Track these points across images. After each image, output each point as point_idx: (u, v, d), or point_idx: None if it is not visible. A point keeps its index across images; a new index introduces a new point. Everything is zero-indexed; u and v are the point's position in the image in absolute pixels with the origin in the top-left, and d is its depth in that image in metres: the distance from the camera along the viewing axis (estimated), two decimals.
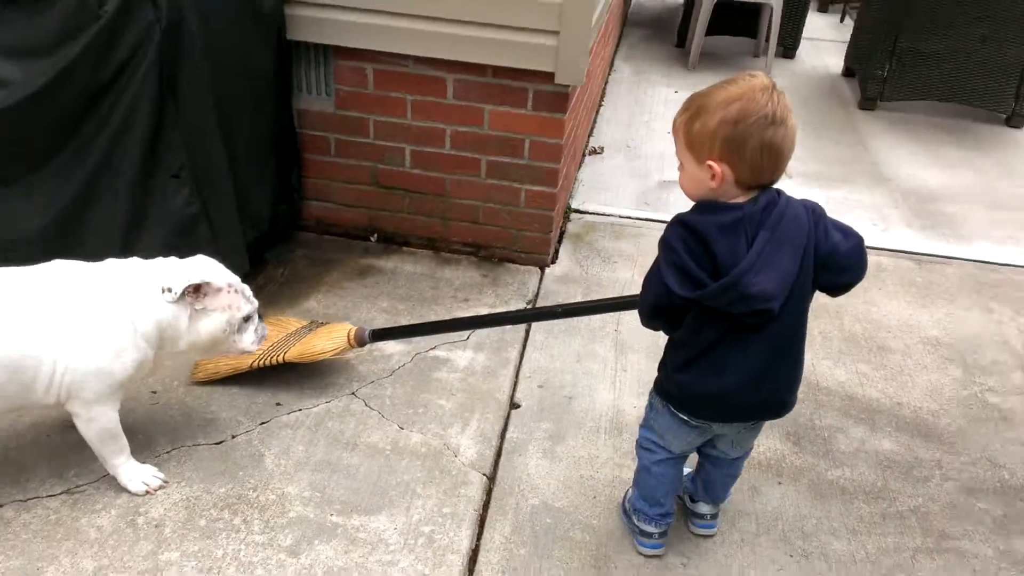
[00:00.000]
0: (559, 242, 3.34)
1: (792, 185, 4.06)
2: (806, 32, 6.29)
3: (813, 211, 1.56)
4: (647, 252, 3.30)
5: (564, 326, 2.79)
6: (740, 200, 1.53)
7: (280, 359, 2.35)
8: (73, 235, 2.36)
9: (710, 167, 1.50)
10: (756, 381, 1.64)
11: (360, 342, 2.41)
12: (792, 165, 1.53)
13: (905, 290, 3.19)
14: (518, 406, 2.43)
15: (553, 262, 3.21)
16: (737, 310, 1.52)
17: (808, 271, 1.55)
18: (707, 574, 1.94)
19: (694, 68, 5.70)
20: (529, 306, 2.92)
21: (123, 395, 1.93)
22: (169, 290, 1.87)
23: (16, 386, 1.77)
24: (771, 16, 5.60)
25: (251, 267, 2.80)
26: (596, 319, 2.82)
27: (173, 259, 1.99)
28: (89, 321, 1.81)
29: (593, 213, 3.60)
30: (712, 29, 5.79)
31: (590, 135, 4.47)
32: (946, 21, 4.84)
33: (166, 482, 2.04)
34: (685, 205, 1.58)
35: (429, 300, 2.87)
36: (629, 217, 3.59)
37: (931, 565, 2.01)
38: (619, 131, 4.56)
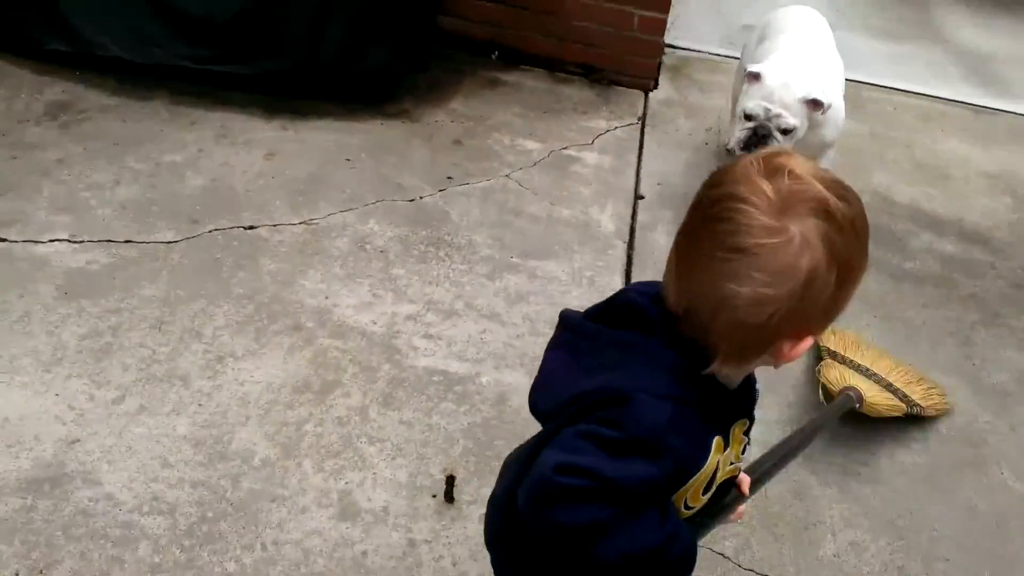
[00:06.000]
0: (658, 71, 3.70)
1: None
2: None
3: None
4: None
5: (673, 142, 3.20)
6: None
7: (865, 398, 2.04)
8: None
9: None
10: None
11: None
12: None
13: (963, 133, 3.60)
14: (643, 197, 2.88)
15: (655, 88, 3.58)
16: None
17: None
18: None
19: None
20: (637, 121, 3.32)
21: None
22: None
23: None
24: None
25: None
26: (691, 136, 3.24)
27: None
28: None
29: (685, 49, 3.94)
30: None
31: None
32: None
33: None
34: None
35: (556, 111, 3.27)
36: (718, 55, 3.93)
37: (985, 334, 2.52)
38: None
